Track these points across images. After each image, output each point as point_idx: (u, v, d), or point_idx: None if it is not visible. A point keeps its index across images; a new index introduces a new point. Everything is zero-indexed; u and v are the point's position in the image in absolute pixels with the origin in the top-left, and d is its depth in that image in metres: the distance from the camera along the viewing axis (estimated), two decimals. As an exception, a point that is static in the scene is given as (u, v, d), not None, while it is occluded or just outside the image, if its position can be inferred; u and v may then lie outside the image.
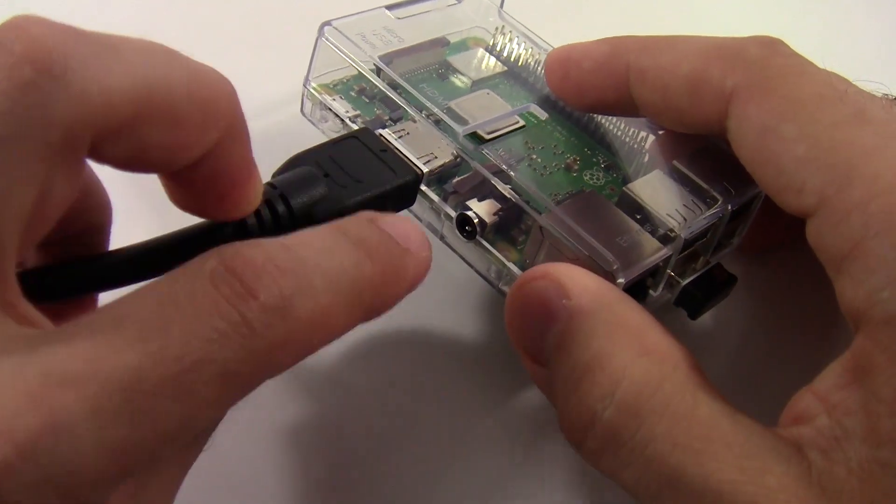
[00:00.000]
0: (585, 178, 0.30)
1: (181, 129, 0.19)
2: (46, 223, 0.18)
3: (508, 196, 0.27)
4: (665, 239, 0.27)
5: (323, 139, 0.30)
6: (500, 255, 0.27)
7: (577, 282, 0.23)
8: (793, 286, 0.33)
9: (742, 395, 0.29)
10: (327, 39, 0.30)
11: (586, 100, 0.29)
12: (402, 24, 0.32)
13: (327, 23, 0.30)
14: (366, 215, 0.23)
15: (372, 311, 0.21)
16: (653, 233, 0.27)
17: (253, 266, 0.18)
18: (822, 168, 0.22)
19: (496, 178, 0.27)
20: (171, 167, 0.20)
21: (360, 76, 0.31)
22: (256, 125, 0.32)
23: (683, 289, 0.28)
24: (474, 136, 0.30)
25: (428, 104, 0.29)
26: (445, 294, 0.30)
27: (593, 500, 0.27)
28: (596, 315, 0.22)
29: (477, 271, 0.28)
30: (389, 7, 0.32)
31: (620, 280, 0.25)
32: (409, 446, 0.27)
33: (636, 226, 0.27)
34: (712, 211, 0.28)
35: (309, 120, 0.31)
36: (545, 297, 0.23)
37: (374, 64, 0.31)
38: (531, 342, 0.24)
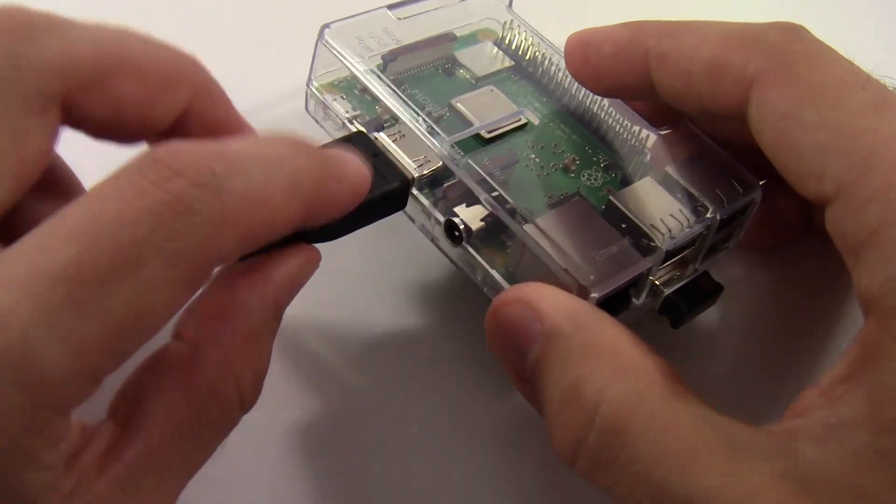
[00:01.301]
0: (583, 178, 0.30)
1: (147, 83, 0.22)
2: (28, 177, 0.20)
3: (489, 208, 0.27)
4: (647, 250, 0.27)
5: (325, 136, 0.31)
6: (483, 263, 0.28)
7: (549, 304, 0.23)
8: (794, 286, 0.33)
9: (746, 393, 0.30)
10: (326, 43, 0.30)
11: (605, 84, 0.29)
12: (404, 24, 0.32)
13: (327, 25, 0.30)
14: None
15: (313, 202, 0.22)
16: (636, 243, 0.27)
17: (179, 152, 0.19)
18: (842, 155, 0.22)
19: (479, 188, 0.27)
20: (148, 129, 0.22)
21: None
22: (260, 118, 0.33)
23: (666, 298, 0.28)
24: (477, 137, 0.30)
25: (414, 113, 0.29)
26: (448, 294, 0.31)
27: (594, 498, 0.28)
28: (570, 338, 0.23)
29: (467, 275, 0.29)
30: (391, 7, 0.32)
31: (594, 295, 0.25)
32: (410, 445, 0.28)
33: (618, 236, 0.27)
34: (699, 222, 0.28)
35: (313, 118, 0.32)
36: (519, 321, 0.23)
37: (378, 63, 0.32)
38: (513, 363, 0.24)
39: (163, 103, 0.22)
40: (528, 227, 0.26)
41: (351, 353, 0.29)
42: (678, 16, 0.42)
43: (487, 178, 0.27)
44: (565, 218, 0.27)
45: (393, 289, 0.31)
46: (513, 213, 0.27)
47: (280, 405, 0.27)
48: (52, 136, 0.22)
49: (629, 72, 0.28)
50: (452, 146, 0.28)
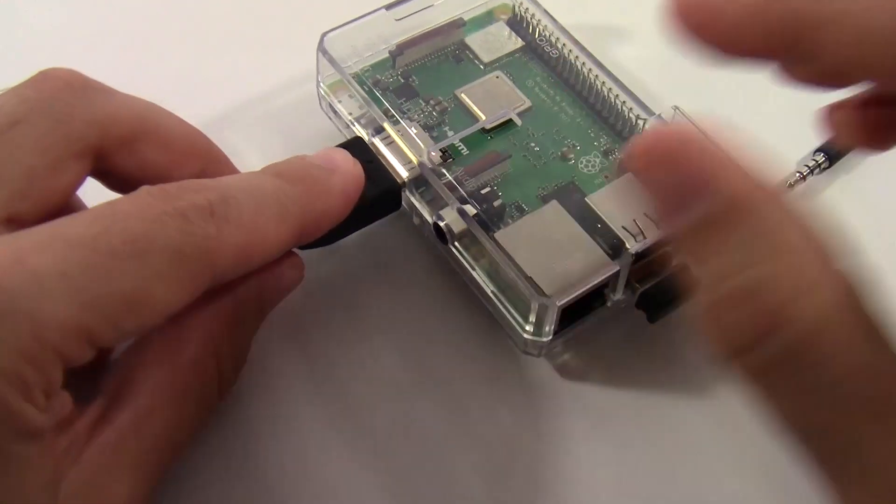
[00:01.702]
0: (580, 166, 0.31)
1: (170, 150, 0.26)
2: (51, 205, 0.24)
3: (463, 220, 0.29)
4: (616, 253, 0.28)
5: (337, 132, 0.33)
6: (465, 264, 0.30)
7: (731, 173, 0.19)
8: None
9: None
10: (324, 52, 0.32)
11: (730, 50, 0.22)
12: (404, 21, 0.33)
13: (326, 33, 0.32)
14: (294, 156, 0.27)
15: (306, 222, 0.25)
16: (606, 246, 0.28)
17: (181, 184, 0.23)
18: None
19: (452, 197, 0.29)
20: None
21: (376, 67, 0.34)
22: (272, 105, 0.36)
23: (641, 294, 0.29)
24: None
25: (395, 121, 0.31)
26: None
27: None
28: (756, 224, 0.18)
29: (459, 273, 0.30)
30: (388, 7, 0.33)
31: (557, 303, 0.27)
32: (410, 446, 0.29)
33: (588, 241, 0.28)
34: (675, 220, 0.28)
35: (325, 114, 0.34)
36: (694, 169, 0.19)
37: (385, 58, 0.34)
38: (666, 204, 0.20)
39: (180, 169, 0.27)
40: (498, 235, 0.28)
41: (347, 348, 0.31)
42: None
43: (458, 188, 0.29)
44: (536, 224, 0.28)
45: (397, 283, 0.32)
46: (482, 223, 0.28)
47: (283, 406, 0.30)
48: (80, 179, 0.26)
49: (769, 35, 0.21)
50: (430, 153, 0.30)
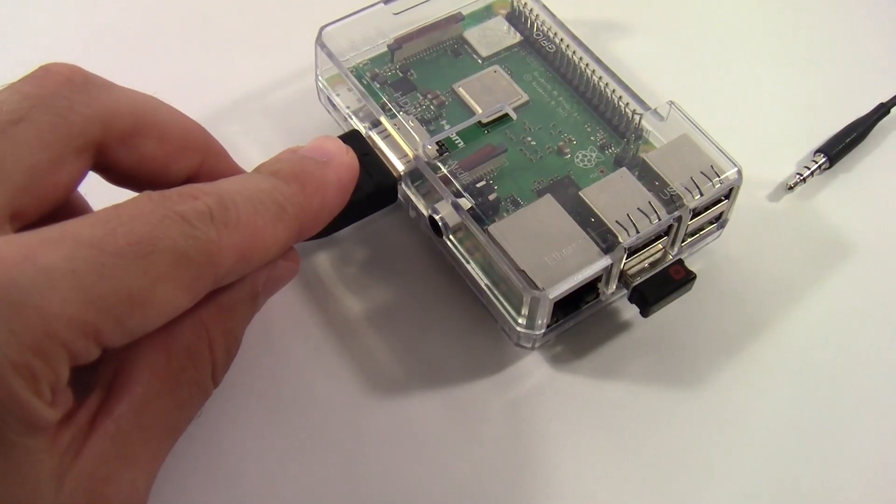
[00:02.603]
0: (576, 160, 0.31)
1: (169, 144, 0.26)
2: (53, 200, 0.24)
3: (458, 214, 0.29)
4: (609, 247, 0.28)
5: (335, 124, 0.34)
6: (460, 257, 0.30)
7: None
8: (787, 263, 0.33)
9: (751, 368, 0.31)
10: (322, 46, 0.32)
11: None
12: (402, 15, 0.34)
13: (325, 26, 0.32)
14: (287, 149, 0.28)
15: (304, 220, 0.26)
16: (599, 240, 0.28)
17: (181, 189, 0.23)
18: None
19: (447, 190, 0.29)
20: (164, 180, 0.26)
21: (374, 61, 0.34)
22: (271, 98, 0.36)
23: (633, 289, 0.29)
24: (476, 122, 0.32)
25: (393, 117, 0.31)
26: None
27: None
28: None
29: (454, 266, 0.31)
30: (387, 1, 0.33)
31: (549, 296, 0.27)
32: (409, 443, 0.29)
33: (581, 234, 0.28)
34: (669, 214, 0.28)
35: (324, 107, 0.34)
36: None
37: (384, 52, 0.34)
38: None
39: (179, 162, 0.27)
40: (491, 228, 0.28)
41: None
42: (676, 6, 0.41)
43: (454, 181, 0.29)
44: (530, 217, 0.28)
45: (392, 276, 0.32)
46: (476, 216, 0.28)
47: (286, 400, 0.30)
48: (82, 174, 0.26)
49: None
50: (426, 147, 0.30)
